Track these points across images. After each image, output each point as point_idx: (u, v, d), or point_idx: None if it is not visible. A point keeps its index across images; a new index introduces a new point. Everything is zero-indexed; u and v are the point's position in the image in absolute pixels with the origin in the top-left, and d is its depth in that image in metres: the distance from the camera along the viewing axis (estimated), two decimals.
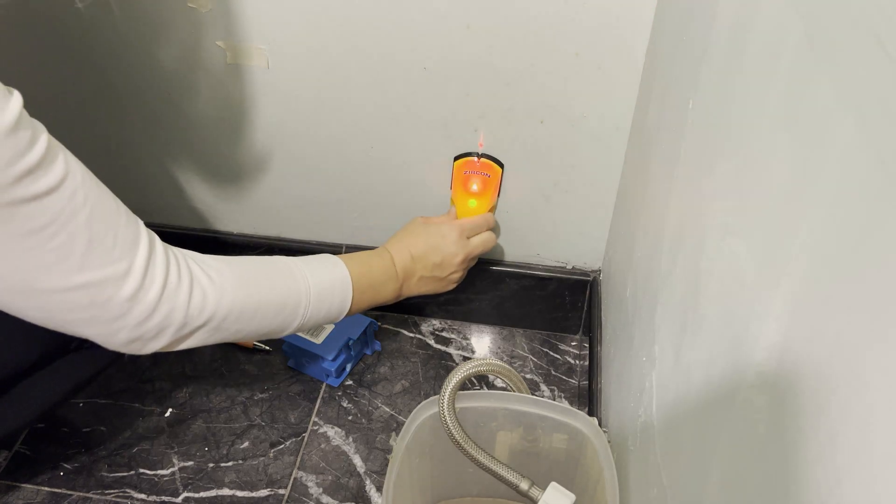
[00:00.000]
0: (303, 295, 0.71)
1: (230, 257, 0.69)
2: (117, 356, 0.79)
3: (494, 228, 0.94)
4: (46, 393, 0.76)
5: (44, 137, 0.52)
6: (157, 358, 1.04)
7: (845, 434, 0.28)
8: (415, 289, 0.86)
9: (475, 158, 0.90)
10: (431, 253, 0.86)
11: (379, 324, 1.08)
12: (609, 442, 0.72)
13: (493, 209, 0.95)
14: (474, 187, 0.92)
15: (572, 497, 0.67)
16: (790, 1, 0.37)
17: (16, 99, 0.50)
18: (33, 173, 0.50)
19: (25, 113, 0.51)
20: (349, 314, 0.78)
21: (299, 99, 0.88)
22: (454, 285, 0.90)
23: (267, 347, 1.05)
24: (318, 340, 0.98)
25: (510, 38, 0.78)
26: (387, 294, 0.83)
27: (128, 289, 0.58)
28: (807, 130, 0.33)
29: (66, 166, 0.54)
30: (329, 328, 0.99)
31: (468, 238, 0.89)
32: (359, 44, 0.81)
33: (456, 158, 0.91)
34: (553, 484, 0.68)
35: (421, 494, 0.82)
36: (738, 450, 0.40)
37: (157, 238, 0.62)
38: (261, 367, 1.03)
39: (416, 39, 0.80)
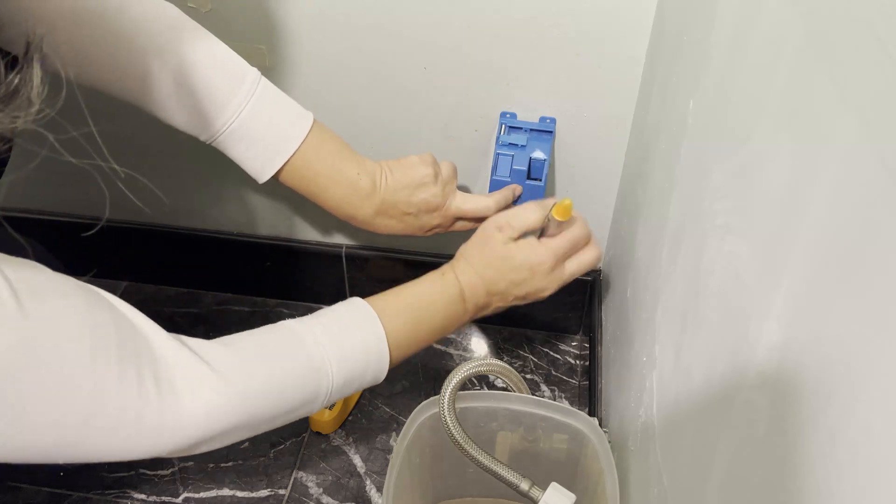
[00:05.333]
0: (322, 377, 0.59)
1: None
2: None
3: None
4: None
5: None
6: None
7: (846, 434, 0.28)
8: (482, 315, 0.74)
9: None
10: (514, 288, 0.72)
11: None
12: (609, 442, 0.72)
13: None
14: None
15: (573, 497, 0.67)
16: (790, 1, 0.37)
17: None
18: None
19: None
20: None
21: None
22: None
23: None
24: None
25: (510, 37, 0.78)
26: (449, 330, 0.72)
27: None
28: (807, 130, 0.33)
29: None
30: None
31: (563, 264, 0.73)
32: (358, 44, 0.81)
33: None
34: (553, 484, 0.68)
35: (421, 494, 0.82)
36: (739, 450, 0.40)
37: None
38: None
39: (416, 39, 0.80)
